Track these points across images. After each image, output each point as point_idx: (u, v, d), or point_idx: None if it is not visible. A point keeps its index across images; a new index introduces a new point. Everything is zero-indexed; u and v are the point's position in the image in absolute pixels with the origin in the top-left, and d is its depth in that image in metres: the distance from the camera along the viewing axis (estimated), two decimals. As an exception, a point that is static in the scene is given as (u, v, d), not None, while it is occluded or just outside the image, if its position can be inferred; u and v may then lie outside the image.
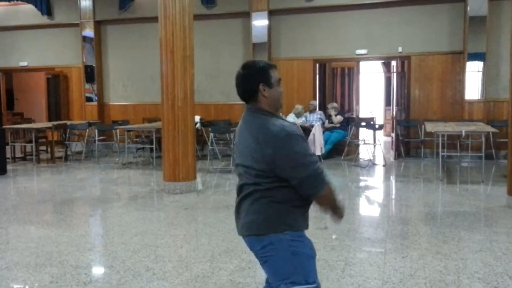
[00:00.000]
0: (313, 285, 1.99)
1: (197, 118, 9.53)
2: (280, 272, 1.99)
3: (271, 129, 1.96)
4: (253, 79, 2.05)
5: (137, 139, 10.52)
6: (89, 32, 11.46)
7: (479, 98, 9.21)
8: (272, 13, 10.29)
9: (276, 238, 1.98)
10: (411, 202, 5.90)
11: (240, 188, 2.14)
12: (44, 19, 11.81)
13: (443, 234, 4.46)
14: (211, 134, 8.85)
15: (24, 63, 12.31)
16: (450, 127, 7.76)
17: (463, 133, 7.27)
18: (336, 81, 14.47)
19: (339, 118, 9.75)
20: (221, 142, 9.58)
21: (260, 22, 10.25)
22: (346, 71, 14.51)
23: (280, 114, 2.19)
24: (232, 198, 6.18)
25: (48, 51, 12.10)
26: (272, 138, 1.94)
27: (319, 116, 9.81)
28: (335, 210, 2.14)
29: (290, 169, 1.93)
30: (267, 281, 2.17)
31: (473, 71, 9.21)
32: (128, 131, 9.50)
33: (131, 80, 11.50)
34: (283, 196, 2.00)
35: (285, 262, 1.98)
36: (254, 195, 2.04)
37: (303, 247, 2.02)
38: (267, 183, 1.99)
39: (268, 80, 2.05)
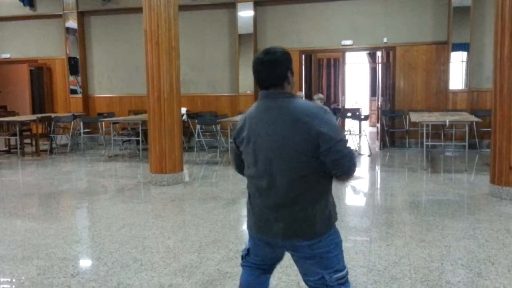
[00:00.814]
0: (346, 269, 2.10)
1: (183, 110, 9.51)
2: (327, 265, 2.04)
3: (311, 105, 1.97)
4: (283, 66, 2.00)
5: (123, 132, 10.45)
6: (72, 23, 11.31)
7: (463, 88, 9.32)
8: (257, 4, 10.25)
9: (327, 233, 2.04)
10: (396, 191, 5.98)
11: (272, 188, 1.98)
12: (26, 10, 11.61)
13: (427, 222, 4.54)
14: (198, 126, 8.85)
15: (7, 55, 12.11)
16: (434, 117, 7.86)
17: (447, 123, 7.37)
18: (322, 72, 14.52)
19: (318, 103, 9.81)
20: (207, 133, 9.57)
21: (245, 13, 10.21)
22: (332, 62, 14.57)
23: None
24: (219, 190, 6.24)
25: (31, 43, 11.92)
26: (316, 114, 1.92)
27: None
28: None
29: (335, 143, 1.89)
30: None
31: (457, 61, 9.32)
32: (114, 123, 9.43)
33: (116, 72, 11.40)
34: (326, 185, 2.01)
35: (332, 255, 2.04)
36: (293, 193, 1.96)
37: (339, 236, 2.12)
38: (313, 173, 1.95)
39: (292, 68, 2.05)
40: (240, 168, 2.24)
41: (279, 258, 2.27)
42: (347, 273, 2.08)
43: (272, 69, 1.99)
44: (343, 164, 1.93)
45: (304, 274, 2.12)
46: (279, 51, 2.01)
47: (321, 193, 2.00)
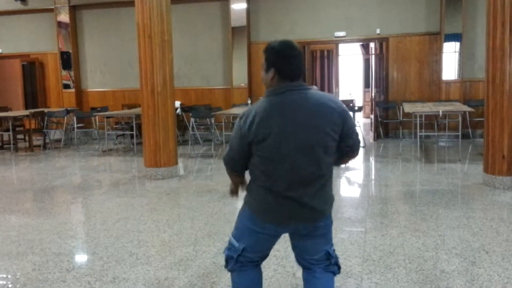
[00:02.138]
0: None
1: (177, 104, 9.47)
2: (330, 239, 2.25)
3: (331, 95, 2.14)
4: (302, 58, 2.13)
5: (116, 126, 10.40)
6: (64, 17, 11.20)
7: (455, 78, 9.34)
8: (250, -4, 10.20)
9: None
10: (390, 182, 6.00)
11: (298, 179, 2.03)
12: (18, 5, 11.48)
13: (422, 212, 4.55)
14: (192, 119, 8.81)
15: (-2, 50, 12.01)
16: (428, 108, 7.87)
17: (440, 113, 7.38)
18: (315, 64, 14.49)
19: None
20: (202, 127, 9.54)
21: (238, 6, 10.15)
22: (326, 53, 14.53)
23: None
24: (214, 183, 6.23)
25: (23, 38, 11.81)
26: (341, 104, 2.09)
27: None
28: None
29: (353, 131, 2.12)
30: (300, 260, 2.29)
31: (450, 52, 9.33)
32: (108, 117, 9.38)
33: (109, 66, 11.32)
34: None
35: (332, 229, 2.26)
36: (323, 179, 2.08)
37: None
38: (331, 162, 2.11)
39: None
40: (243, 166, 2.16)
41: (271, 247, 2.30)
42: None
43: (301, 61, 2.08)
44: (354, 149, 2.17)
45: (309, 254, 2.21)
46: (297, 45, 2.09)
47: (332, 174, 2.18)
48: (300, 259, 2.28)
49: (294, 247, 2.27)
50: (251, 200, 2.16)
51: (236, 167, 2.19)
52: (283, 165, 2.01)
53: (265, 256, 2.31)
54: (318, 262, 2.21)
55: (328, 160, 2.06)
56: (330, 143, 2.03)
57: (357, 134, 2.15)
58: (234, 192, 2.37)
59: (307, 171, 2.02)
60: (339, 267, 2.28)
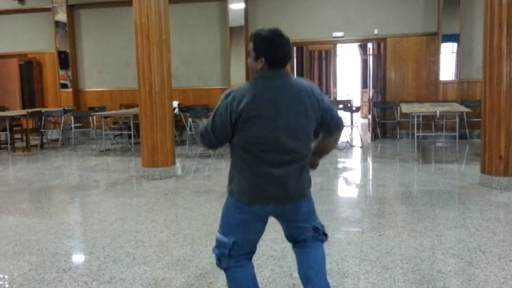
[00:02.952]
0: None
1: (175, 103, 9.45)
2: (315, 216, 2.38)
3: (311, 82, 2.26)
4: None
5: (114, 126, 10.39)
6: (61, 17, 11.18)
7: (453, 79, 9.36)
8: (248, -4, 10.21)
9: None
10: (388, 182, 6.00)
11: (283, 159, 2.13)
12: (15, 4, 11.46)
13: (419, 212, 4.56)
14: (190, 119, 8.81)
15: (-4, 50, 11.98)
16: (425, 108, 7.88)
17: (438, 114, 7.40)
18: (313, 64, 14.51)
19: None
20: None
21: (236, 6, 10.15)
22: (323, 54, 14.56)
23: None
24: (211, 183, 6.23)
25: (20, 37, 11.78)
26: (317, 88, 2.23)
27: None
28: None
29: (330, 108, 2.23)
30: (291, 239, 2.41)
31: (447, 52, 9.35)
32: (105, 117, 9.37)
33: (107, 65, 11.31)
34: None
35: (314, 208, 2.39)
36: (304, 161, 2.21)
37: None
38: (310, 146, 2.24)
39: None
40: (220, 142, 2.21)
41: (260, 237, 2.35)
42: None
43: (289, 48, 2.16)
44: (339, 126, 2.29)
45: (298, 234, 2.34)
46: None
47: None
48: (289, 237, 2.41)
49: (284, 229, 2.40)
50: (235, 187, 2.19)
51: (211, 142, 2.23)
52: (268, 145, 2.09)
53: (254, 246, 2.33)
54: (308, 236, 2.35)
55: (308, 142, 2.20)
56: (311, 126, 2.17)
57: (335, 111, 2.28)
58: None
59: (291, 152, 2.13)
60: (326, 235, 2.41)
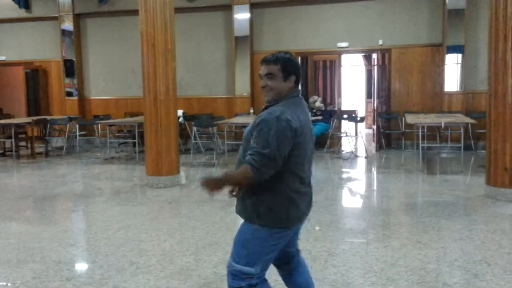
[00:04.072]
0: None
1: (179, 112, 9.48)
2: None
3: None
4: None
5: (119, 134, 10.41)
6: (68, 25, 11.27)
7: (458, 90, 9.34)
8: (253, 6, 10.25)
9: None
10: (392, 193, 5.98)
11: (311, 169, 2.31)
12: (22, 13, 11.56)
13: (424, 224, 4.54)
14: (194, 128, 8.82)
15: (2, 58, 12.05)
16: (430, 119, 7.87)
17: (443, 125, 7.38)
18: (318, 74, 14.52)
19: (318, 104, 9.78)
20: (204, 136, 9.55)
21: (242, 15, 10.21)
22: (328, 64, 14.55)
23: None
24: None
25: (27, 45, 11.87)
26: None
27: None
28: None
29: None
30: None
31: (452, 63, 9.34)
32: (110, 125, 9.40)
33: (112, 74, 11.37)
34: None
35: None
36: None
37: None
38: None
39: None
40: (277, 166, 2.08)
41: None
42: None
43: None
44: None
45: (296, 239, 2.45)
46: None
47: None
48: (291, 250, 2.44)
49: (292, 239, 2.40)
50: (268, 214, 2.13)
51: (273, 169, 2.07)
52: (306, 160, 2.23)
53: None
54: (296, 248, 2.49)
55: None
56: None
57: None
58: (235, 194, 2.26)
59: (311, 165, 2.31)
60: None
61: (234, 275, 2.19)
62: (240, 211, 2.24)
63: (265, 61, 2.20)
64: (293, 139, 2.08)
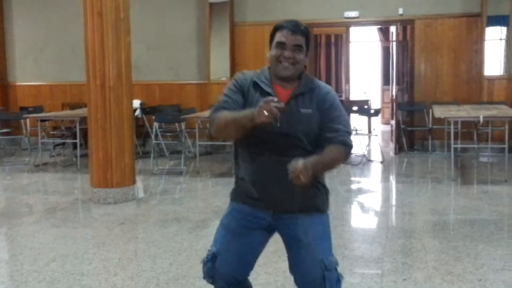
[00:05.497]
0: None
1: (136, 103, 9.46)
2: None
3: None
4: None
5: (54, 132, 10.35)
6: (-14, -13, 11.18)
7: (501, 73, 9.47)
8: (234, -37, 10.29)
9: None
10: (416, 209, 6.03)
11: None
12: None
13: (456, 249, 4.58)
14: (156, 124, 8.79)
15: None
16: (465, 112, 7.95)
17: (481, 119, 7.45)
18: (319, 53, 14.60)
19: None
20: (168, 134, 9.53)
21: (218, -25, 10.22)
22: (333, 39, 14.66)
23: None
24: (183, 208, 6.23)
25: None
26: None
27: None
28: None
29: None
30: None
31: (494, 39, 9.46)
32: (43, 120, 9.33)
33: (45, 52, 11.30)
34: None
35: None
36: None
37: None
38: None
39: (271, 41, 2.50)
40: None
41: None
42: None
43: None
44: None
45: None
46: None
47: None
48: None
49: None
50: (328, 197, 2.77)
51: None
52: None
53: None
54: None
55: None
56: None
57: None
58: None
59: None
60: None
61: (336, 271, 2.59)
62: (311, 205, 2.60)
63: (292, 30, 2.40)
64: None
